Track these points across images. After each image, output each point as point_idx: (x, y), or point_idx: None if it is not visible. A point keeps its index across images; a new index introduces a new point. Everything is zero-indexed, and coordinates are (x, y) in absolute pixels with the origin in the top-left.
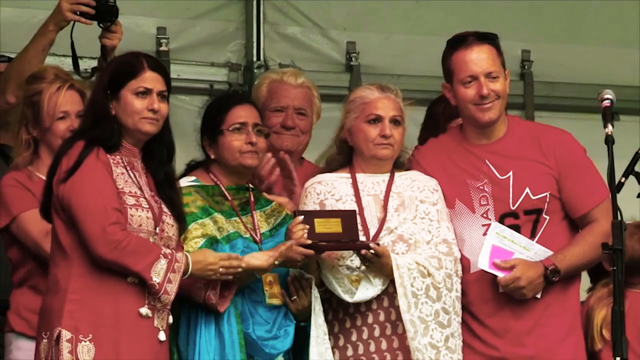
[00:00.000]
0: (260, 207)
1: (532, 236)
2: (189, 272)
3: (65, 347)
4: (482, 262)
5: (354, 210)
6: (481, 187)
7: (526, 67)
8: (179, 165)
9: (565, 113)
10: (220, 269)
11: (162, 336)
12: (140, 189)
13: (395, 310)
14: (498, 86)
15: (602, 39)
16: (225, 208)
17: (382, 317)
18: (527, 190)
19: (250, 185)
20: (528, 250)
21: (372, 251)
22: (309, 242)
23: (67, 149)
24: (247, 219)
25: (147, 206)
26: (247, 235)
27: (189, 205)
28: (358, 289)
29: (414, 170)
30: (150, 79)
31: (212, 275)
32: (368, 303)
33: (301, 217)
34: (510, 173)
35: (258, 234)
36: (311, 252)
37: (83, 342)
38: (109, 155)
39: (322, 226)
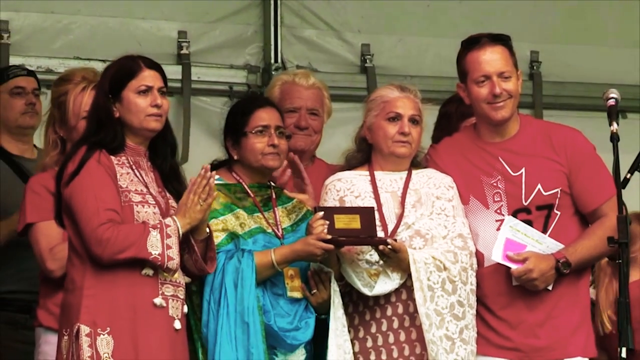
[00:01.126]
0: (282, 204)
1: (544, 231)
2: (181, 231)
3: (84, 341)
4: (496, 255)
5: (372, 207)
6: (494, 184)
7: (535, 67)
8: (202, 162)
9: (572, 112)
10: (191, 197)
11: (178, 325)
12: (146, 186)
13: (413, 302)
14: (510, 85)
15: (607, 40)
16: (248, 204)
17: (400, 310)
18: (539, 186)
19: (272, 183)
20: (540, 244)
21: (389, 247)
22: (329, 237)
23: (72, 154)
24: (269, 215)
25: (154, 202)
26: (270, 230)
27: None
28: (377, 283)
29: (430, 168)
30: (149, 77)
31: (197, 214)
32: (387, 296)
33: (321, 213)
34: (523, 170)
35: (280, 229)
36: (331, 246)
37: (102, 336)
38: (113, 157)
39: (342, 222)
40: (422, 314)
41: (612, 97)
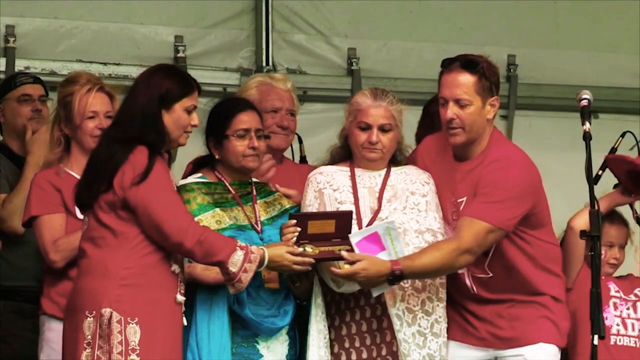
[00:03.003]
0: (262, 197)
1: (485, 254)
2: (264, 264)
3: (115, 327)
4: (354, 237)
5: (350, 212)
6: (453, 202)
7: (512, 70)
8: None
9: (547, 112)
10: (294, 266)
11: (185, 321)
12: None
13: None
14: (464, 114)
15: (581, 44)
16: (229, 199)
17: (372, 300)
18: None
19: (254, 179)
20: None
21: (345, 260)
22: (294, 247)
23: (127, 152)
24: (248, 209)
25: None
26: (246, 222)
27: (189, 202)
28: (344, 283)
29: (410, 165)
30: (196, 99)
31: (286, 270)
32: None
33: (294, 221)
34: (464, 199)
35: (259, 224)
36: (300, 268)
37: (130, 324)
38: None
39: (315, 227)
40: (392, 314)
41: (585, 98)
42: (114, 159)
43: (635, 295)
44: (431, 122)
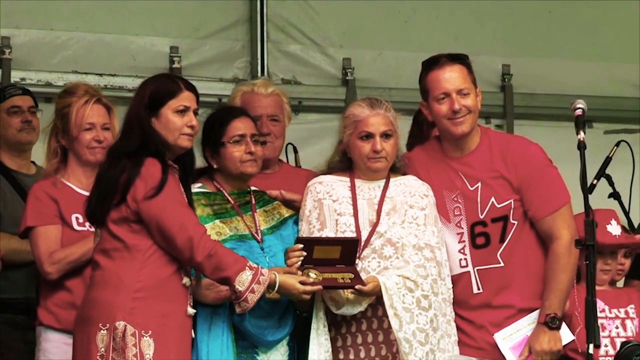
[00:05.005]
0: (261, 206)
1: (501, 240)
2: (275, 288)
3: (130, 340)
4: (505, 342)
5: (357, 240)
6: (455, 199)
7: (506, 79)
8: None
9: (542, 121)
10: (303, 295)
11: (193, 333)
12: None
13: (382, 307)
14: (469, 102)
15: (575, 53)
16: (228, 209)
17: (369, 313)
18: (493, 199)
19: (253, 188)
20: (530, 324)
21: (357, 290)
22: (305, 277)
23: (139, 166)
24: (248, 218)
25: None
26: (246, 232)
27: None
28: (344, 306)
29: (410, 175)
30: (187, 98)
31: (294, 297)
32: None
33: (300, 245)
34: (479, 184)
35: (259, 233)
36: (307, 297)
37: (145, 337)
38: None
39: (320, 252)
40: (400, 339)
41: (579, 108)
42: (126, 174)
43: (626, 313)
44: (419, 131)
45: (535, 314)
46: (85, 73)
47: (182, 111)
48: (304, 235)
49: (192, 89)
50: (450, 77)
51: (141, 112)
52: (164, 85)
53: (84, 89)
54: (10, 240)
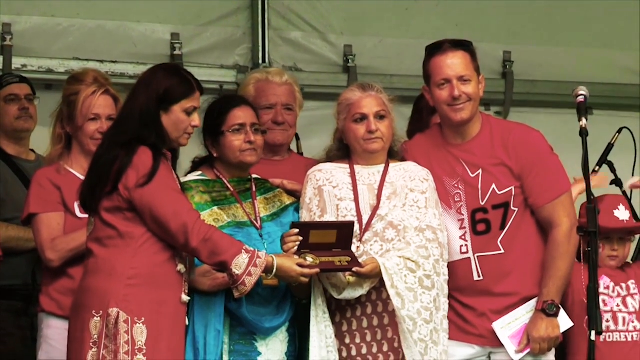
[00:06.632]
0: (262, 194)
1: (501, 227)
2: (273, 272)
3: (122, 327)
4: (515, 355)
5: (352, 222)
6: (455, 185)
7: (507, 66)
8: (192, 159)
9: (543, 108)
10: (301, 278)
11: (187, 321)
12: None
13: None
14: (469, 89)
15: (576, 40)
16: (227, 196)
17: (373, 296)
18: (494, 186)
19: (254, 176)
20: (528, 312)
21: (354, 272)
22: (302, 260)
23: (131, 155)
24: (247, 206)
25: None
26: (245, 219)
27: None
28: (345, 289)
29: (409, 161)
30: (198, 99)
31: (292, 280)
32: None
33: (296, 230)
34: (479, 171)
35: (258, 220)
36: (306, 280)
37: (137, 324)
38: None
39: (316, 237)
40: (403, 316)
41: (581, 94)
42: (118, 163)
43: (627, 288)
44: (419, 117)
45: (534, 302)
46: (86, 60)
47: (191, 112)
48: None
49: (201, 89)
50: (452, 63)
51: (152, 104)
52: (181, 84)
53: (93, 77)
54: (7, 228)
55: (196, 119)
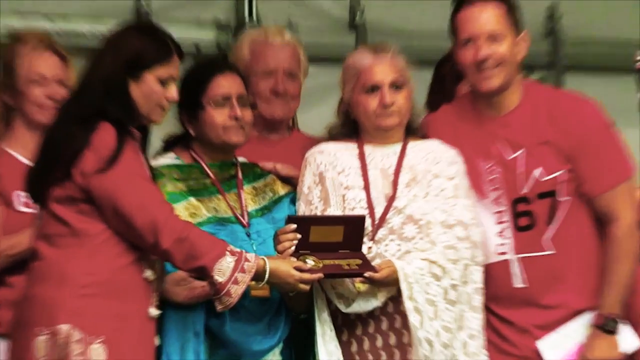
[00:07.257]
0: (250, 182)
1: (549, 222)
2: (265, 278)
3: (75, 348)
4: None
5: (363, 217)
6: (490, 169)
7: (553, 24)
8: (160, 135)
9: (598, 73)
10: (300, 285)
11: (158, 340)
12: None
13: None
14: (501, 49)
15: None
16: (207, 185)
17: (390, 308)
18: (538, 170)
19: (239, 159)
20: (582, 325)
21: (367, 278)
22: (301, 263)
23: (89, 132)
24: (231, 196)
25: None
26: (229, 214)
27: None
28: (355, 301)
29: (432, 138)
30: (176, 67)
31: (288, 288)
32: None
33: (294, 226)
34: (520, 152)
35: (245, 216)
36: (306, 287)
37: (94, 345)
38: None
39: (318, 234)
40: (420, 338)
41: None
42: (73, 142)
43: None
44: (440, 87)
45: (589, 316)
46: (29, 13)
47: (166, 82)
48: None
49: (181, 55)
50: (480, 17)
51: (118, 70)
52: (155, 46)
53: (38, 38)
54: None
55: (173, 91)
